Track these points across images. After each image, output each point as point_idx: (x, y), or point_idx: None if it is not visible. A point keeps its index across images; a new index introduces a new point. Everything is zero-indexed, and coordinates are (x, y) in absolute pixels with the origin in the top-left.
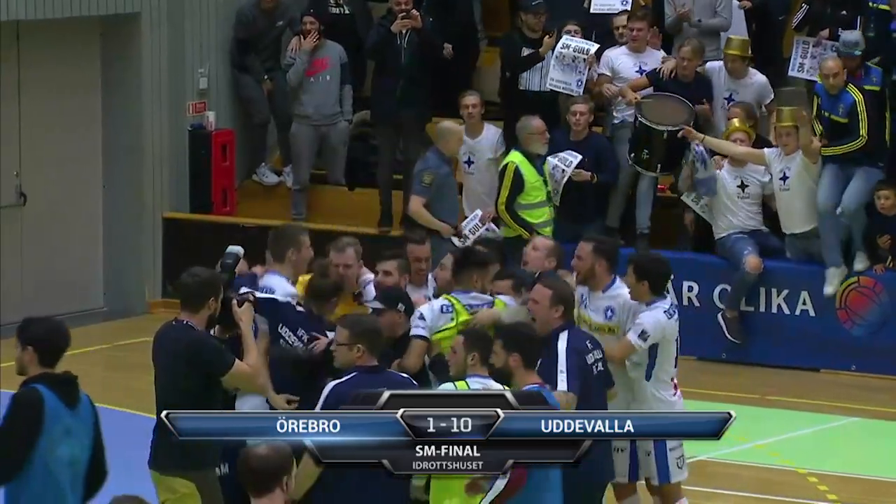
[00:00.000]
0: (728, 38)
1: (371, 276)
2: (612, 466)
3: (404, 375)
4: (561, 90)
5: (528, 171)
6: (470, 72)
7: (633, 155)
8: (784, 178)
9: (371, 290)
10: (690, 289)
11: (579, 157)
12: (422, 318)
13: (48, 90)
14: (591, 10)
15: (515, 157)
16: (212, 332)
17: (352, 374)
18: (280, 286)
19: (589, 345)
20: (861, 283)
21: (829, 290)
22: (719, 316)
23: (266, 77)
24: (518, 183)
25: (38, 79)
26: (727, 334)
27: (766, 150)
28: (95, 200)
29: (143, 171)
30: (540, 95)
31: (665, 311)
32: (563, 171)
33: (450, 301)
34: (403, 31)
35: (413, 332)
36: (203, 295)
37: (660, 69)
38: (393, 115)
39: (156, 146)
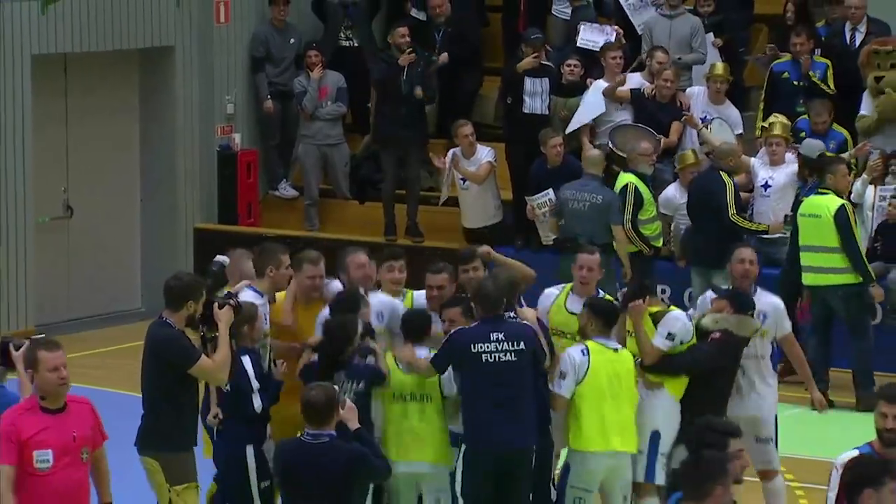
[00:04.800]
0: (712, 64)
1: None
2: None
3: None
4: (590, 48)
5: (643, 189)
6: (474, 99)
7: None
8: (766, 186)
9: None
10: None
11: (550, 190)
12: None
13: (92, 115)
14: (578, 44)
15: (629, 177)
16: (202, 329)
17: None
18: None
19: None
20: None
21: None
22: None
23: (269, 97)
24: (638, 200)
25: (83, 105)
26: None
27: (751, 158)
28: (134, 213)
29: (177, 186)
30: (541, 118)
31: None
32: (544, 211)
33: None
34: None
35: None
36: (183, 297)
37: (642, 88)
38: (395, 137)
39: (188, 165)
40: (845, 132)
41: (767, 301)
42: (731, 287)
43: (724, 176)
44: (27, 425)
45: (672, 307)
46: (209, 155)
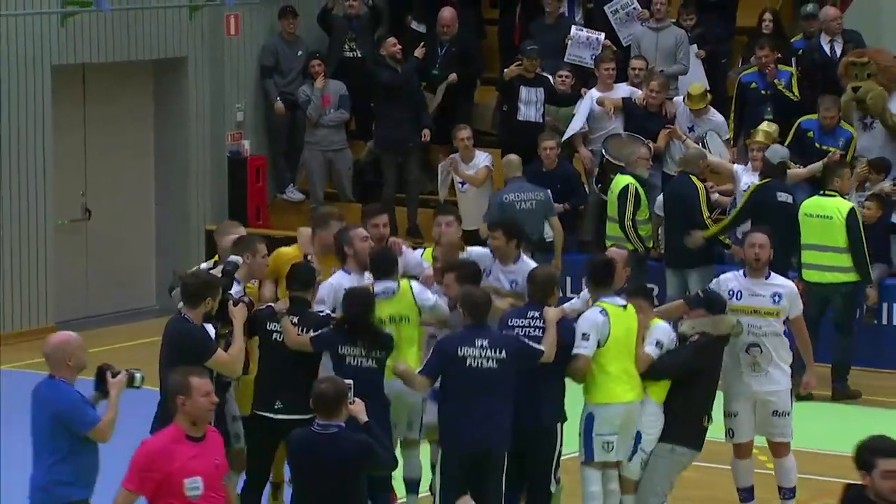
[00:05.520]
0: (688, 91)
1: None
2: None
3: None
4: (577, 63)
5: (641, 191)
6: (471, 109)
7: (599, 185)
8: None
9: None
10: None
11: (547, 190)
12: None
13: (109, 123)
14: (566, 59)
15: (629, 179)
16: (216, 325)
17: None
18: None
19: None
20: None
21: None
22: None
23: (278, 99)
24: (638, 201)
25: (101, 113)
26: None
27: (734, 164)
28: (149, 215)
29: (189, 190)
30: (535, 125)
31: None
32: None
33: None
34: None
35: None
36: (202, 294)
37: (634, 98)
38: (394, 141)
39: (200, 169)
40: (852, 130)
41: (781, 283)
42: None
43: (695, 180)
44: (177, 455)
45: (656, 319)
46: (220, 160)
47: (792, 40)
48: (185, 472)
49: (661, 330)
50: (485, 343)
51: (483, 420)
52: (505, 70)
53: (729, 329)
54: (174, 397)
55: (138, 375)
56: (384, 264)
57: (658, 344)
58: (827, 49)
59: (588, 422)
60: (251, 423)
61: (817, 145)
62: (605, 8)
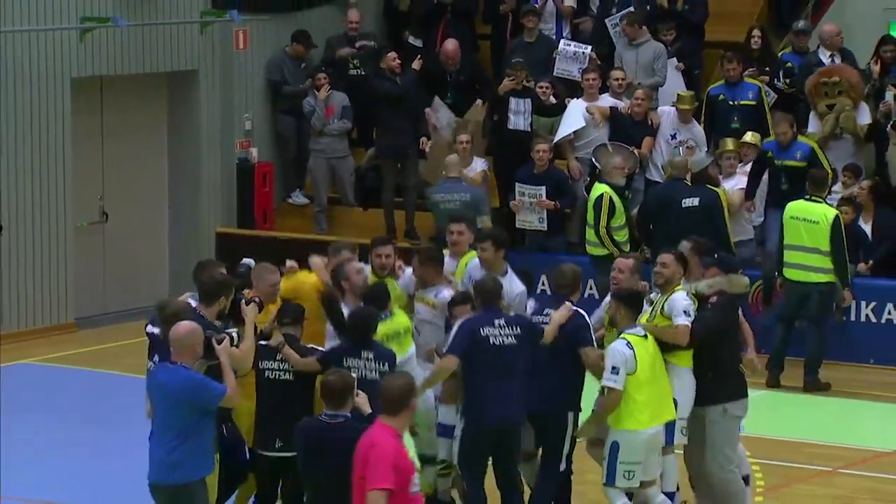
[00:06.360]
0: (678, 94)
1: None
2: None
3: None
4: (566, 76)
5: (616, 199)
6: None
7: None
8: None
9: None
10: None
11: (542, 187)
12: None
13: (125, 131)
14: (555, 73)
15: (604, 188)
16: (228, 324)
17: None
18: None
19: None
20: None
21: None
22: None
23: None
24: (612, 209)
25: (117, 122)
26: None
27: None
28: (162, 218)
29: (200, 194)
30: (524, 134)
31: None
32: (531, 201)
33: None
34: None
35: None
36: (217, 293)
37: (620, 107)
38: (394, 149)
39: (210, 175)
40: (812, 143)
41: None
42: (716, 256)
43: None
44: (402, 453)
45: (679, 287)
46: (229, 167)
47: (780, 54)
48: (410, 470)
49: (681, 299)
50: (502, 322)
51: (508, 397)
52: (499, 87)
53: (743, 287)
54: (408, 400)
55: (234, 334)
56: (377, 298)
57: (686, 313)
58: (827, 63)
59: (613, 449)
60: (254, 460)
61: (777, 162)
62: (606, 21)
